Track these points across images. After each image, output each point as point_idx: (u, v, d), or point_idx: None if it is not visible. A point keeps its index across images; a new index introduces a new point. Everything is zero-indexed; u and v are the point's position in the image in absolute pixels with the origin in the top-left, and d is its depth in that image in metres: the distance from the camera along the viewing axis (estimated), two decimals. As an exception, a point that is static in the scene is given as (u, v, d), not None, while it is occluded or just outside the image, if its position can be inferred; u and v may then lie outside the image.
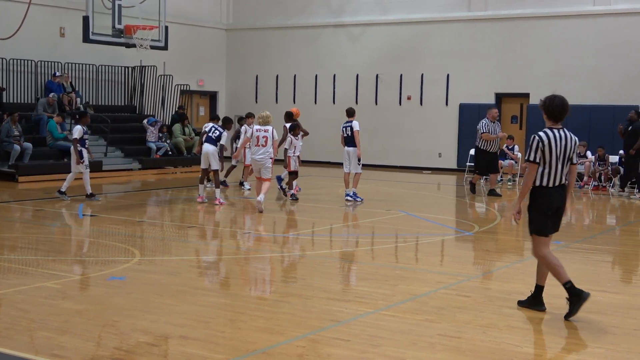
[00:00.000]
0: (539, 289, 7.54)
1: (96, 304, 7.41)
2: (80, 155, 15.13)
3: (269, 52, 28.35)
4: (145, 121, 23.62)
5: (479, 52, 24.39)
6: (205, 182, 15.97)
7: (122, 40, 20.57)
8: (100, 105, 24.50)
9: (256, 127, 14.47)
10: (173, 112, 25.22)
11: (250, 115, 17.98)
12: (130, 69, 25.27)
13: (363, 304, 7.58)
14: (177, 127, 24.14)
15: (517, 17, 23.93)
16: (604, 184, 19.87)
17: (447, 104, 24.95)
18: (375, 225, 13.69)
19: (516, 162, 21.55)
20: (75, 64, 23.64)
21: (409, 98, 25.72)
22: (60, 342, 6.18)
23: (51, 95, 21.67)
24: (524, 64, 23.70)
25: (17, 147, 19.40)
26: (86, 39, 20.08)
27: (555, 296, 8.07)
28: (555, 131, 7.19)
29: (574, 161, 7.30)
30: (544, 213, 7.25)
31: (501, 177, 21.41)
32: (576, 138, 7.34)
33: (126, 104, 25.56)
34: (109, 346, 6.20)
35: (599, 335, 6.69)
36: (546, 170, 7.18)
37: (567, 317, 7.13)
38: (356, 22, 26.59)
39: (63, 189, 15.46)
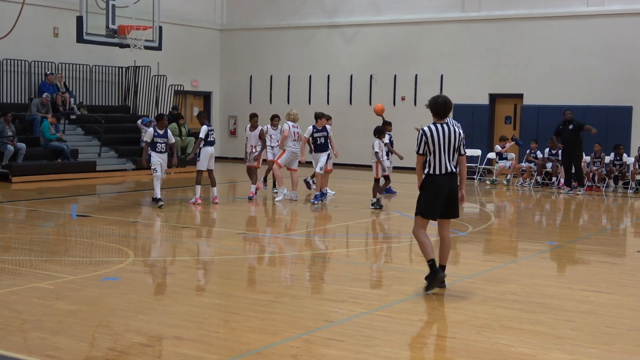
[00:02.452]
0: (440, 267, 8.22)
1: (90, 305, 7.39)
2: (148, 159, 14.74)
3: (263, 53, 28.35)
4: (139, 122, 23.59)
5: (473, 53, 24.41)
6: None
7: (116, 40, 20.53)
8: (94, 105, 24.46)
9: (291, 124, 16.03)
10: (167, 113, 25.17)
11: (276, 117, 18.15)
12: (124, 69, 25.24)
13: (357, 304, 7.58)
14: (172, 126, 24.11)
15: (511, 18, 23.96)
16: (598, 185, 19.93)
17: (441, 105, 24.94)
18: (370, 226, 13.70)
19: (509, 163, 21.61)
20: (69, 64, 23.60)
21: (403, 99, 25.74)
22: (54, 343, 6.17)
23: (44, 95, 21.61)
24: (517, 65, 23.74)
25: (10, 147, 19.35)
26: (80, 39, 20.03)
27: (551, 296, 8.09)
28: (439, 125, 8.10)
29: (462, 152, 8.20)
30: (432, 198, 8.07)
31: (496, 177, 21.48)
32: (460, 131, 8.26)
33: (120, 104, 25.52)
34: (103, 347, 6.19)
35: (593, 335, 6.70)
36: (433, 160, 8.02)
37: (425, 290, 8.08)
38: (350, 22, 26.60)
39: (156, 196, 14.87)
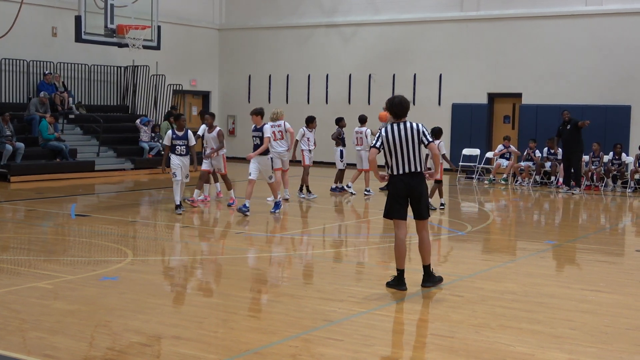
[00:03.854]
0: (425, 268, 8.32)
1: (88, 304, 7.39)
2: (167, 163, 13.86)
3: (262, 52, 28.33)
4: (138, 121, 23.59)
5: (472, 52, 24.41)
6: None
7: (114, 40, 20.53)
8: (92, 105, 24.43)
9: (270, 123, 15.05)
10: (165, 112, 25.17)
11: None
12: (122, 68, 25.22)
13: (356, 303, 7.58)
14: (164, 124, 24.05)
15: (509, 17, 23.96)
16: (597, 184, 19.93)
17: (439, 104, 24.98)
18: (368, 225, 13.69)
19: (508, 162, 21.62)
20: (67, 63, 23.58)
21: (401, 98, 25.71)
22: (52, 343, 6.17)
23: (42, 94, 21.59)
24: (516, 64, 23.73)
25: (9, 147, 19.33)
26: (78, 38, 20.04)
27: (549, 295, 8.10)
28: (395, 125, 8.12)
29: (425, 142, 8.09)
30: (392, 198, 8.16)
31: (494, 176, 21.48)
32: (419, 126, 8.12)
33: (119, 103, 25.51)
34: (102, 346, 6.19)
35: (592, 334, 6.70)
36: (391, 160, 8.07)
37: (388, 284, 8.26)
38: (348, 22, 26.59)
39: (176, 202, 13.95)
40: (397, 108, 8.15)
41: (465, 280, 8.84)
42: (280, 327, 6.71)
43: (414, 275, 8.67)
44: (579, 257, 10.89)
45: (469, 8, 24.54)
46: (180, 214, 13.76)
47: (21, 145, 19.76)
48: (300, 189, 16.69)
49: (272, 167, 14.24)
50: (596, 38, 22.61)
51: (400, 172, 8.07)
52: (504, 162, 21.53)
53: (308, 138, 16.68)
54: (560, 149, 20.45)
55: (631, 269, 10.09)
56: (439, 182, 14.91)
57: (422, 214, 8.21)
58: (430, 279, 8.31)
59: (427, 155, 12.97)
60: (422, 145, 8.11)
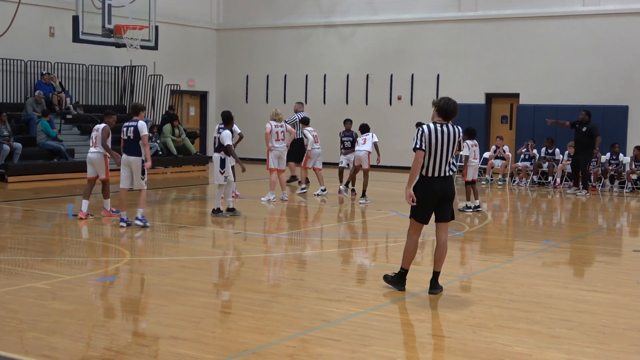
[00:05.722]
0: (435, 274, 8.10)
1: (86, 305, 7.39)
2: (222, 164, 13.48)
3: (260, 52, 28.33)
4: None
5: (469, 53, 24.43)
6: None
7: (112, 40, 20.54)
8: (90, 105, 24.42)
9: (274, 123, 16.02)
10: (163, 112, 25.17)
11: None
12: (120, 68, 25.21)
13: (354, 303, 7.58)
14: (167, 127, 24.05)
15: (507, 18, 23.98)
16: (594, 184, 19.93)
17: (437, 104, 24.95)
18: (366, 225, 13.69)
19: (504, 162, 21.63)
20: (65, 63, 23.56)
21: (399, 98, 25.74)
22: (50, 343, 6.16)
23: (37, 92, 21.56)
24: (514, 64, 23.76)
25: (6, 147, 19.32)
26: (76, 38, 20.04)
27: (547, 295, 8.10)
28: (438, 125, 7.91)
29: (464, 150, 8.20)
30: (423, 201, 7.89)
31: (491, 176, 21.49)
32: (459, 130, 8.06)
33: (116, 104, 25.48)
34: (99, 347, 6.19)
35: (589, 334, 6.71)
36: (428, 161, 7.84)
37: (386, 278, 8.22)
38: (346, 22, 26.59)
39: (216, 207, 13.58)
40: (450, 110, 7.94)
41: (462, 281, 8.85)
42: (278, 327, 6.71)
43: (412, 276, 8.67)
44: (577, 257, 10.90)
45: (466, 8, 24.56)
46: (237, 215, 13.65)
47: (19, 145, 19.73)
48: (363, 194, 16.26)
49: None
50: (594, 38, 22.63)
51: (436, 174, 7.86)
52: (498, 162, 21.56)
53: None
54: (557, 148, 20.48)
55: (628, 269, 10.10)
56: (471, 184, 14.97)
57: (448, 215, 8.06)
58: (438, 286, 8.09)
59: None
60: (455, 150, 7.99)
